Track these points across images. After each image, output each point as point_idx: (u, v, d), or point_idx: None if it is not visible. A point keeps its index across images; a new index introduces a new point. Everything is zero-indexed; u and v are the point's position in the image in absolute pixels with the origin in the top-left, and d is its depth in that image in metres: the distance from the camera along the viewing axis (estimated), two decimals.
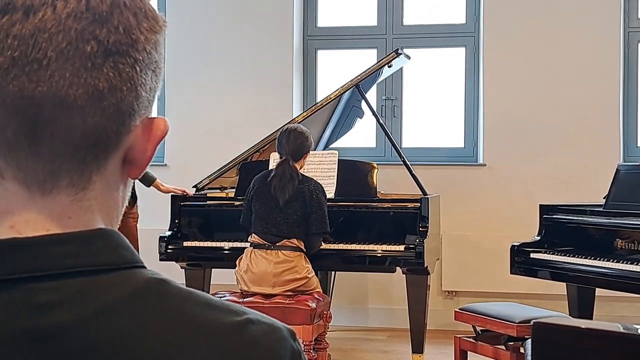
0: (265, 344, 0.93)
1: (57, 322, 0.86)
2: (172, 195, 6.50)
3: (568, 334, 2.19)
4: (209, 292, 6.14)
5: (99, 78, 0.90)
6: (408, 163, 6.44)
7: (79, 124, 0.90)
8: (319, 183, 5.77)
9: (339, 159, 6.41)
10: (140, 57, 0.94)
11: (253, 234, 5.69)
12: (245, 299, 5.52)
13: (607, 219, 5.58)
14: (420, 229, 6.04)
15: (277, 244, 5.59)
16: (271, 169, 5.76)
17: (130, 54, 0.93)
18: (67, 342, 0.86)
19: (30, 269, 0.88)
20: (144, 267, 0.94)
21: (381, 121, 6.70)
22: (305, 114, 6.69)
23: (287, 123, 6.45)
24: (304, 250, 5.66)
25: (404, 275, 6.06)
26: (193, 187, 6.75)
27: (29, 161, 0.91)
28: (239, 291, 5.68)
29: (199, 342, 0.90)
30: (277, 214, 5.62)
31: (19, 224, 0.92)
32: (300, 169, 5.74)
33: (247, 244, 5.73)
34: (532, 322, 2.14)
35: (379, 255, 6.04)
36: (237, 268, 5.72)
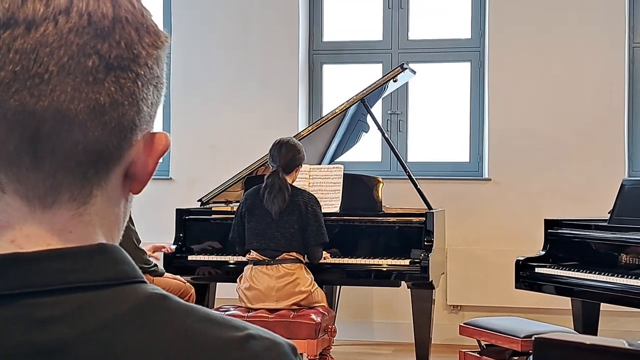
0: (266, 359, 0.92)
1: (58, 337, 0.86)
2: (176, 209, 6.49)
3: (569, 350, 2.18)
4: (213, 306, 6.15)
5: (101, 92, 0.90)
6: (413, 177, 6.44)
7: (80, 139, 0.90)
8: (312, 194, 5.79)
9: (344, 173, 6.42)
10: (142, 72, 0.94)
11: (251, 251, 5.69)
12: (249, 314, 5.52)
13: (611, 233, 5.58)
14: (426, 243, 6.04)
15: (277, 259, 5.59)
16: (262, 183, 5.75)
17: (131, 68, 0.93)
18: (68, 357, 0.86)
19: (31, 284, 0.88)
20: (145, 282, 0.94)
21: (386, 135, 6.71)
22: (310, 128, 6.70)
23: (294, 136, 6.46)
24: (303, 261, 5.67)
25: (409, 289, 6.06)
26: (198, 200, 6.75)
27: (30, 175, 0.91)
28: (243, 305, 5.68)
29: (200, 357, 0.89)
30: (274, 228, 5.62)
31: (19, 238, 0.92)
32: (292, 182, 5.75)
33: (253, 258, 5.71)
34: (533, 338, 2.13)
35: (384, 269, 6.04)
36: (238, 285, 5.72)
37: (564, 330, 5.47)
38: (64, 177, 0.92)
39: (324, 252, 5.97)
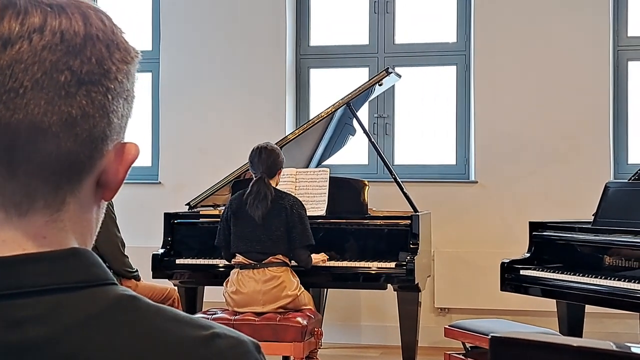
0: (231, 356, 0.97)
1: (32, 336, 0.91)
2: (164, 213, 6.51)
3: (529, 349, 2.20)
4: (201, 310, 6.17)
5: (72, 106, 0.95)
6: (399, 180, 6.47)
7: (54, 149, 0.95)
8: (296, 198, 5.82)
9: (330, 176, 6.44)
10: (112, 86, 0.99)
11: (237, 255, 5.72)
12: (236, 317, 5.53)
13: (595, 235, 5.59)
14: (411, 246, 6.06)
15: (263, 262, 5.62)
16: (247, 188, 5.80)
17: (102, 83, 0.98)
18: (43, 356, 0.91)
19: (7, 286, 0.92)
20: (116, 284, 0.99)
21: (373, 139, 6.74)
22: (297, 131, 6.72)
23: (280, 141, 6.50)
24: (289, 264, 5.70)
25: (396, 292, 6.08)
26: (186, 204, 6.77)
27: (6, 184, 0.96)
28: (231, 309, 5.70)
29: (168, 356, 0.94)
30: (261, 231, 5.65)
31: None
32: (276, 184, 5.80)
33: (239, 262, 5.74)
34: (490, 336, 2.14)
35: (371, 272, 6.05)
36: (224, 290, 5.74)
37: (548, 332, 5.52)
38: (38, 185, 0.96)
39: (323, 255, 6.01)
